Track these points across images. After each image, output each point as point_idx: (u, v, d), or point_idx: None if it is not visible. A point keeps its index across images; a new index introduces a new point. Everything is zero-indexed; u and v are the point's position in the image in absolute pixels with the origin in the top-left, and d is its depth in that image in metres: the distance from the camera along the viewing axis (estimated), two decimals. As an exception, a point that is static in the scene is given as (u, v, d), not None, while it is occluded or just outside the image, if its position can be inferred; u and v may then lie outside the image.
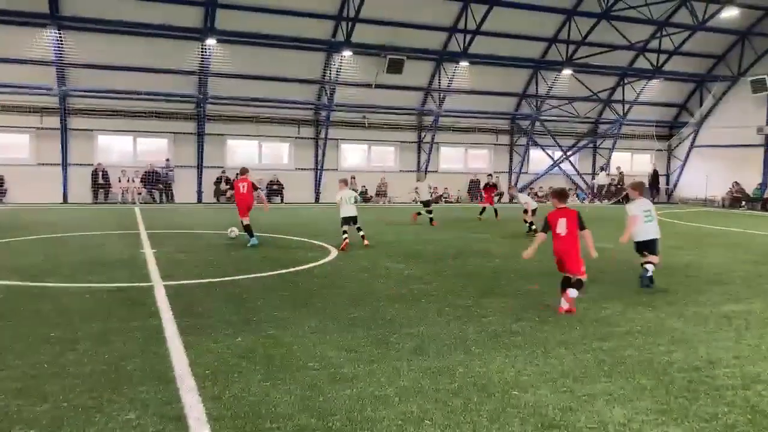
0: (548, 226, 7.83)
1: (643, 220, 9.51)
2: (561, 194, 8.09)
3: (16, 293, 8.43)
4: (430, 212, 20.27)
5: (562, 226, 7.74)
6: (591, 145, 37.94)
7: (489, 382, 5.26)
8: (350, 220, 13.96)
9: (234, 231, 15.07)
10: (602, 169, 37.86)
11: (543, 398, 4.94)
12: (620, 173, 37.01)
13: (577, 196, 37.40)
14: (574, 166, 37.52)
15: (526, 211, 18.05)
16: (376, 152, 34.07)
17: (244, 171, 15.36)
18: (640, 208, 9.65)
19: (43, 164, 27.08)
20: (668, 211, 27.77)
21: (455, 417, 4.55)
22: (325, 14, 27.66)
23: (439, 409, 4.69)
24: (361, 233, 14.14)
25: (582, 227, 7.79)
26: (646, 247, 9.64)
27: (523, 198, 18.98)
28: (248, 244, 13.93)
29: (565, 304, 7.75)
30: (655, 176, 37.52)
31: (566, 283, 7.81)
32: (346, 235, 13.60)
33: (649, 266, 9.48)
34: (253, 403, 4.71)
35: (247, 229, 14.26)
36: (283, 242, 14.70)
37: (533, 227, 17.61)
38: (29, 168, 26.97)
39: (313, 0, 26.99)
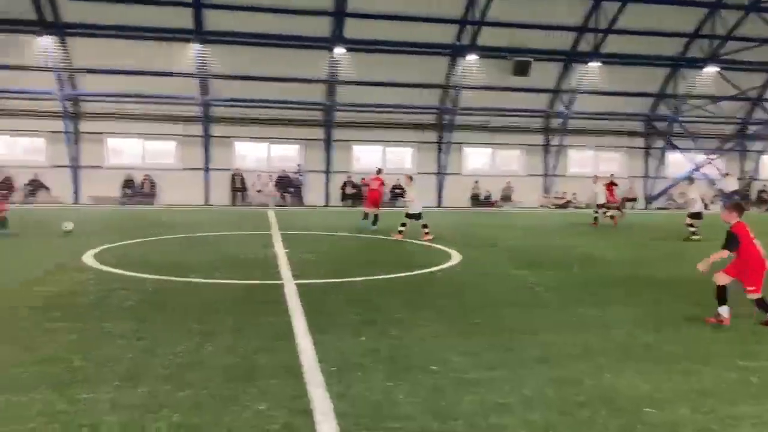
0: (738, 243, 7.34)
1: None
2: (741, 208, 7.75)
3: (165, 287, 9.19)
4: (605, 213, 21.62)
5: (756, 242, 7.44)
6: (738, 147, 34.99)
7: (618, 396, 4.99)
8: (419, 216, 15.73)
9: (68, 225, 15.44)
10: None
11: (680, 418, 4.61)
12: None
13: (723, 203, 34.57)
14: (719, 171, 34.77)
15: (691, 215, 16.81)
16: (501, 156, 33.55)
17: (379, 171, 19.59)
18: None
19: (187, 169, 29.39)
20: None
21: (581, 430, 4.38)
22: (450, 18, 27.71)
23: (564, 421, 4.52)
24: (426, 228, 15.55)
25: None
26: None
27: (692, 193, 17.38)
28: (368, 227, 17.84)
29: None
30: None
31: None
32: (404, 228, 15.65)
33: None
34: (376, 402, 4.79)
35: (375, 218, 18.20)
36: (406, 245, 14.87)
37: (695, 233, 16.52)
38: (176, 172, 29.36)
39: (438, 5, 27.15)
